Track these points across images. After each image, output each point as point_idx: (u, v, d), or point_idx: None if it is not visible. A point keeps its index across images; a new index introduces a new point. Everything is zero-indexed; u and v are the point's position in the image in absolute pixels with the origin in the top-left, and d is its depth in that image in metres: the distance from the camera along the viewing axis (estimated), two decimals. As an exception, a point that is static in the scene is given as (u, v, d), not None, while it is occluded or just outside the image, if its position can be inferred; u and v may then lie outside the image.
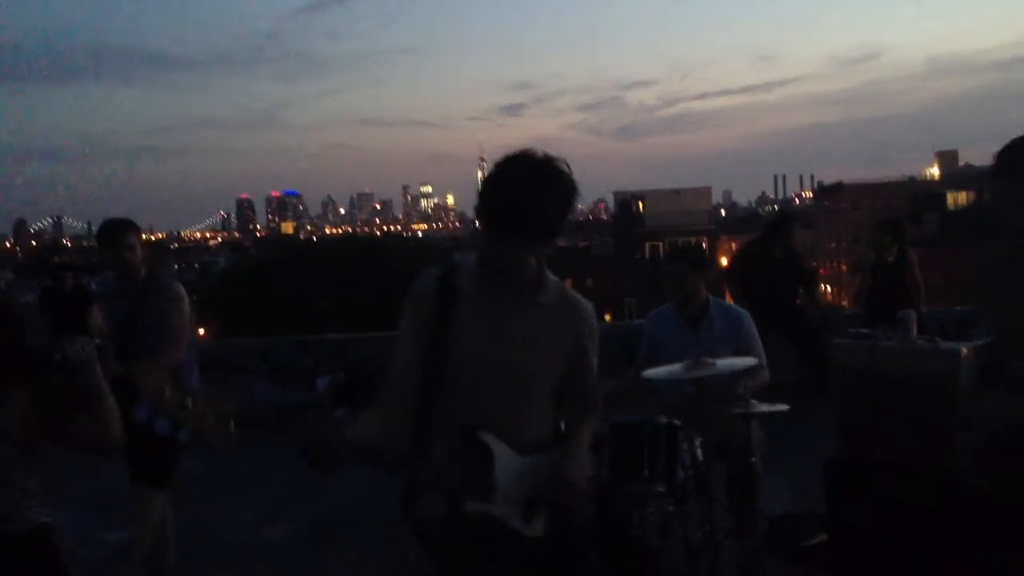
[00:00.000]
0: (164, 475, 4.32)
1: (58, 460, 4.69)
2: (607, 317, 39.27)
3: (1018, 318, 2.70)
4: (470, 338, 2.39)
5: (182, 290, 4.52)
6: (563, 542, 2.44)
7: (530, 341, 2.41)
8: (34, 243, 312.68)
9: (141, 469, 4.28)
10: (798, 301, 8.59)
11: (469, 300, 2.40)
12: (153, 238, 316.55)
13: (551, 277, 2.47)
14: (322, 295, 33.31)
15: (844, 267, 67.83)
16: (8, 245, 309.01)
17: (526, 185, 2.23)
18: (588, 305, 2.55)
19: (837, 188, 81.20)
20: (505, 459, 2.34)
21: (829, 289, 73.27)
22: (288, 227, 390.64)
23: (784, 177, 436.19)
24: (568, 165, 2.31)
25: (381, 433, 2.35)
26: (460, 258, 2.52)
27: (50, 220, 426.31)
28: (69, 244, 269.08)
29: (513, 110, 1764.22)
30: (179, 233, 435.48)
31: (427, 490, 2.36)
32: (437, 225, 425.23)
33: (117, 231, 4.50)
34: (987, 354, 3.02)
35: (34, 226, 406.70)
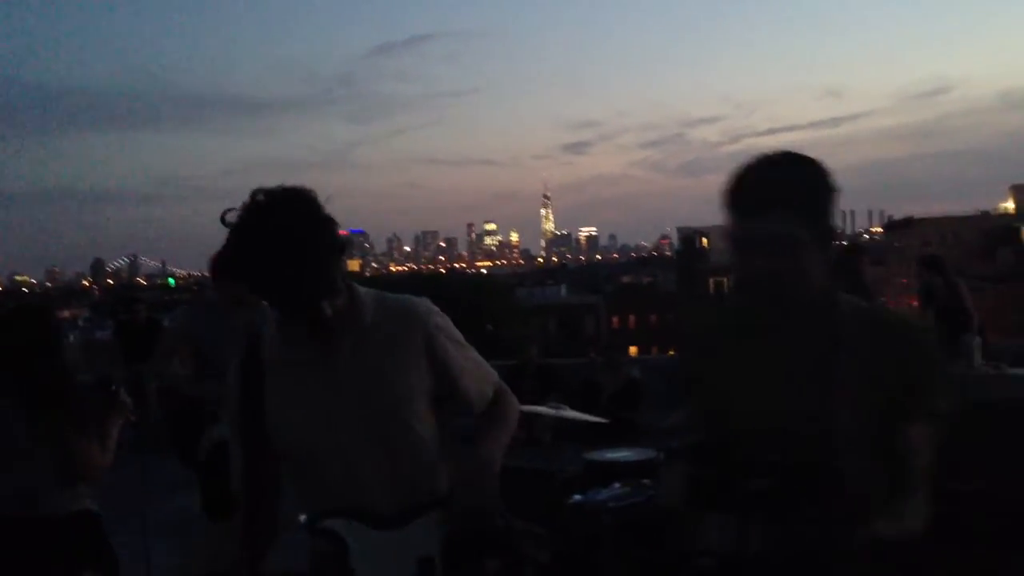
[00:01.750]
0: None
1: (136, 486, 4.81)
2: (671, 353, 38.91)
3: (748, 403, 1.83)
4: (287, 407, 1.99)
5: None
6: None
7: (364, 378, 1.99)
8: (110, 282, 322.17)
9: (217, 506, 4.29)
10: None
11: (276, 363, 2.00)
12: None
13: (362, 292, 2.06)
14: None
15: (914, 303, 66.32)
16: (86, 284, 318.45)
17: (286, 261, 1.83)
18: (421, 301, 2.12)
19: (907, 223, 79.65)
20: (365, 543, 1.93)
21: (900, 325, 71.53)
22: (354, 264, 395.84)
23: (852, 212, 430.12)
24: (308, 195, 1.89)
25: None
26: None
27: (126, 260, 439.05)
28: (144, 283, 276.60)
29: (578, 148, 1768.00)
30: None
31: None
32: (501, 262, 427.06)
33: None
34: (697, 461, 1.89)
35: (111, 265, 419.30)
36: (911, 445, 1.80)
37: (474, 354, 2.19)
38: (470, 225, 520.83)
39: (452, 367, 2.11)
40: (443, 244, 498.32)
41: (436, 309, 2.12)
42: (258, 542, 1.96)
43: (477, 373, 2.18)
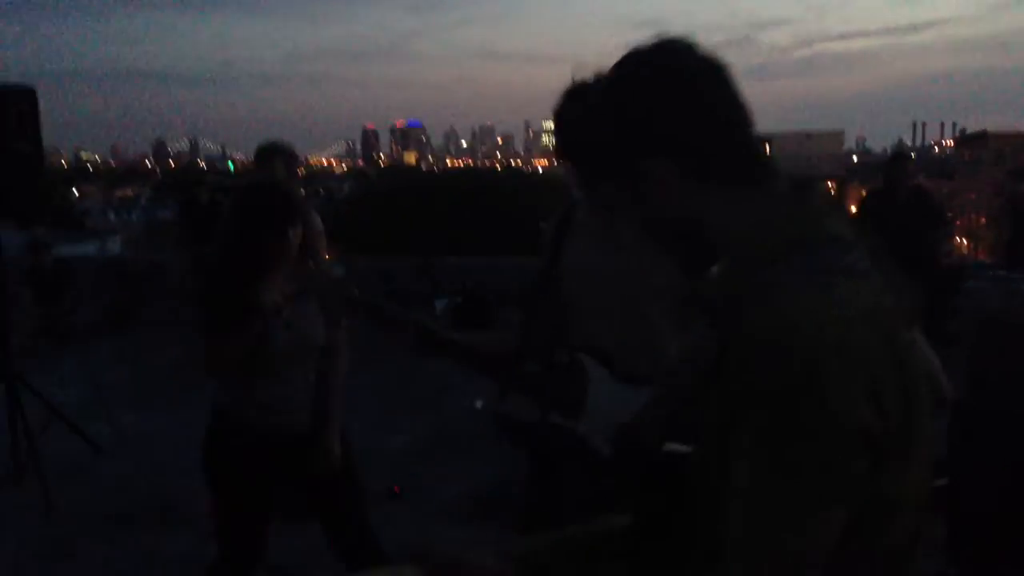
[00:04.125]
0: None
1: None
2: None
3: None
4: (578, 260, 2.50)
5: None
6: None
7: (639, 261, 2.30)
8: (172, 163, 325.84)
9: None
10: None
11: (582, 225, 2.54)
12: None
13: None
14: (443, 224, 33.63)
15: (983, 220, 64.48)
16: (148, 165, 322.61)
17: None
18: None
19: (980, 137, 76.91)
20: (602, 384, 2.32)
21: (965, 242, 69.95)
22: (411, 157, 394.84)
23: (924, 124, 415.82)
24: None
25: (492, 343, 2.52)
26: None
27: (187, 142, 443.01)
28: (205, 166, 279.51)
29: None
30: (306, 159, 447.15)
31: (518, 395, 2.45)
32: (557, 161, 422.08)
33: (263, 154, 4.71)
34: None
35: (172, 148, 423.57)
36: (728, 487, 1.11)
37: None
38: (527, 122, 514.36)
39: None
40: (500, 140, 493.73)
41: None
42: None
43: None
